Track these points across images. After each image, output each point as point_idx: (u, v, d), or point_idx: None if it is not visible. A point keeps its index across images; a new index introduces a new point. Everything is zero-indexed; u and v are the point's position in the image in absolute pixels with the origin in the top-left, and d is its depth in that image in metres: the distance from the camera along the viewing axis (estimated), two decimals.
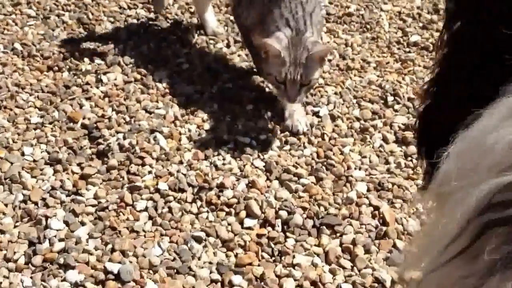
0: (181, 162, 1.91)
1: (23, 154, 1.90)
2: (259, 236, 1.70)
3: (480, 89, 0.54)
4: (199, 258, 1.63)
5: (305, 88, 2.03)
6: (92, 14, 2.60)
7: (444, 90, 0.66)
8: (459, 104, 0.57)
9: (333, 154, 2.00)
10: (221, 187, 1.83)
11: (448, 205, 0.52)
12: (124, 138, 1.97)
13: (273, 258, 1.65)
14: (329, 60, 2.44)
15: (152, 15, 2.60)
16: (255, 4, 2.16)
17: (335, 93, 2.29)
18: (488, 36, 0.57)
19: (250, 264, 1.63)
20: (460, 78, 0.61)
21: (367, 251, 1.68)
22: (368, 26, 2.69)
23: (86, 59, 2.33)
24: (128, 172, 1.85)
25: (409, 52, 2.57)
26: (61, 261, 1.58)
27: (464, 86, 0.60)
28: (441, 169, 0.54)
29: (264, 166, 1.93)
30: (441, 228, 0.53)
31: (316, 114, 2.17)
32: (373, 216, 1.78)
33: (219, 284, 1.58)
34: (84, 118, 2.05)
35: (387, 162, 2.00)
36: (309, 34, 2.04)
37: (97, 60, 2.33)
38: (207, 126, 2.07)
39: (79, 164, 1.88)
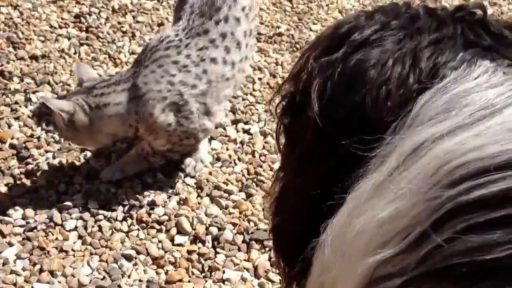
0: (111, 181, 1.91)
1: None
2: (189, 252, 1.72)
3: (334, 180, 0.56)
4: (129, 276, 1.64)
5: None
6: (22, 33, 2.57)
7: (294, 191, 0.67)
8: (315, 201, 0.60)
9: (263, 170, 2.04)
10: (152, 204, 1.84)
11: None
12: (54, 157, 1.95)
13: (203, 274, 1.68)
14: (260, 79, 2.50)
15: (83, 34, 2.60)
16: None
17: (265, 111, 2.34)
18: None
19: (180, 280, 1.64)
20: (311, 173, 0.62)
21: None
22: (298, 46, 2.77)
23: (15, 79, 2.31)
24: (57, 192, 1.84)
25: None
26: None
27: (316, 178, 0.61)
28: (318, 260, 0.57)
29: (195, 183, 1.96)
30: None
31: (247, 131, 2.22)
32: None
33: None
34: (12, 138, 2.03)
35: None
36: None
37: (27, 79, 2.31)
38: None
39: (7, 185, 1.85)
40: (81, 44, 2.52)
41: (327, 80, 0.58)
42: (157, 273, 1.67)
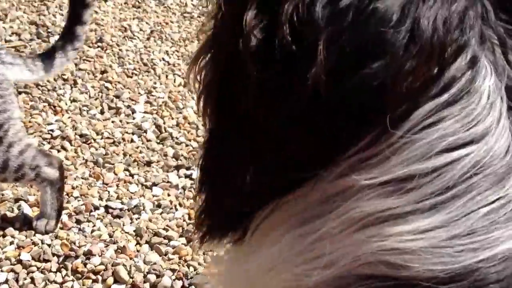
0: (45, 232, 1.84)
1: None
2: None
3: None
4: None
5: None
6: None
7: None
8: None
9: None
10: (89, 254, 1.79)
11: None
12: None
13: None
14: (204, 124, 2.49)
15: (22, 82, 2.56)
16: None
17: None
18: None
19: None
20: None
21: None
22: None
23: None
24: None
25: None
26: None
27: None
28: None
29: (134, 231, 1.91)
30: None
31: (189, 176, 2.19)
32: None
33: None
34: None
35: None
36: None
37: None
38: (76, 193, 2.03)
39: None
40: (19, 93, 2.48)
41: (337, 37, 0.44)
42: None
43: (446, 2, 0.44)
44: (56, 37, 2.90)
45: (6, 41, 2.76)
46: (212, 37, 0.54)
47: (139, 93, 2.65)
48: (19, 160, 1.72)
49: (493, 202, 0.42)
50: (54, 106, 2.46)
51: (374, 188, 0.43)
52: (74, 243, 1.82)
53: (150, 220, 1.97)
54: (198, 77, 0.57)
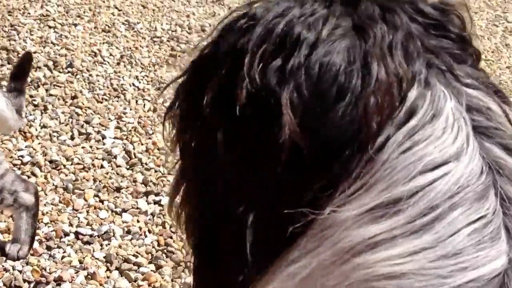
0: (17, 258, 1.88)
1: None
2: None
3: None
4: None
5: None
6: None
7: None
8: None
9: (173, 241, 2.07)
10: (59, 280, 1.83)
11: None
12: None
13: None
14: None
15: None
16: None
17: None
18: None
19: None
20: None
21: None
22: None
23: None
24: None
25: None
26: None
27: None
28: None
29: (104, 257, 1.96)
30: None
31: (157, 203, 2.25)
32: None
33: None
34: None
35: None
36: None
37: None
38: (46, 219, 2.07)
39: None
40: None
41: (297, 91, 0.46)
42: None
43: (387, 36, 0.48)
44: None
45: None
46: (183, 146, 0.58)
47: (109, 118, 2.70)
48: (0, 184, 1.75)
49: (476, 220, 0.43)
50: (25, 132, 2.49)
51: (361, 215, 0.44)
52: (45, 270, 1.86)
53: (120, 246, 2.01)
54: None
